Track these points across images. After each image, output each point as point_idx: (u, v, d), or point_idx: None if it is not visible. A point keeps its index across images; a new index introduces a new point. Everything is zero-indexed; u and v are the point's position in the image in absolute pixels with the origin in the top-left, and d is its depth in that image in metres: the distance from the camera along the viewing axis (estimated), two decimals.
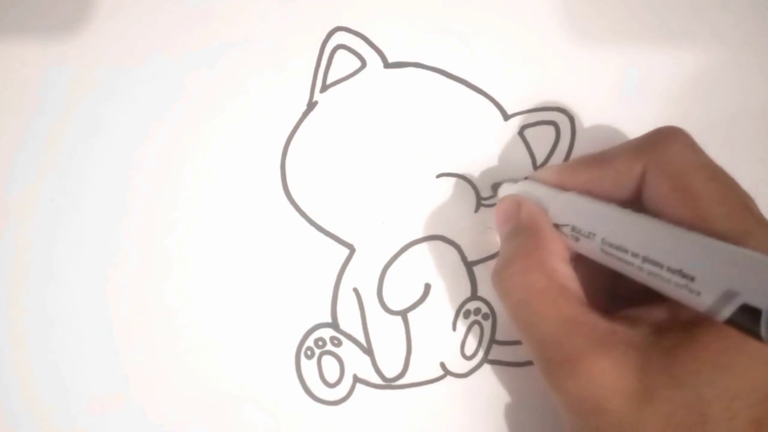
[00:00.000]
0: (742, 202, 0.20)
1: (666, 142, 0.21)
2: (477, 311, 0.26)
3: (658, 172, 0.20)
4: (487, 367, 0.26)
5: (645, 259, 0.18)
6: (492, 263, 0.26)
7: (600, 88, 0.27)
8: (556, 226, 0.21)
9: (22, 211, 0.26)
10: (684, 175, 0.20)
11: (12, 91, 0.27)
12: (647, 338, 0.19)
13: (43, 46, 0.27)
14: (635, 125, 0.26)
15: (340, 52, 0.27)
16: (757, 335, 0.15)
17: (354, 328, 0.26)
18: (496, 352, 0.26)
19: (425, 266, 0.27)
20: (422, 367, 0.26)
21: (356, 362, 0.26)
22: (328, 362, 0.26)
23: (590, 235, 0.19)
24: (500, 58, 0.27)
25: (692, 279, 0.16)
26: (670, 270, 0.17)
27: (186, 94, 0.27)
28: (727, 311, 0.16)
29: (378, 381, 0.26)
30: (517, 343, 0.26)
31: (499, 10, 0.27)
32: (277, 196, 0.27)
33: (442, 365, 0.26)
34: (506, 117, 0.27)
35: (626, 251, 0.18)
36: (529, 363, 0.26)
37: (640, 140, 0.22)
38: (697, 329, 0.19)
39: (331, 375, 0.26)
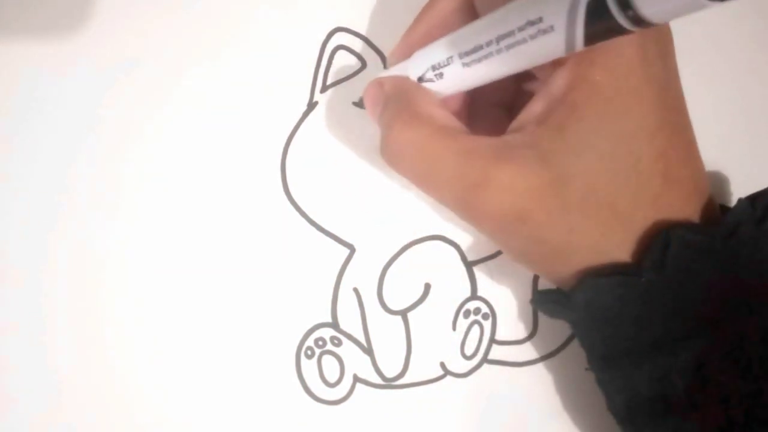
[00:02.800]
0: None
1: None
2: (477, 311, 0.26)
3: None
4: (487, 367, 0.26)
5: (499, 39, 0.17)
6: (492, 263, 0.27)
7: None
8: (420, 80, 0.21)
9: (23, 212, 0.26)
10: None
11: (11, 91, 0.27)
12: (536, 132, 0.19)
13: (43, 46, 0.27)
14: None
15: (341, 53, 0.27)
16: (619, 29, 0.15)
17: (354, 327, 0.26)
18: (496, 352, 0.26)
19: (425, 266, 0.27)
20: (422, 367, 0.26)
21: (356, 362, 0.26)
22: (328, 362, 0.26)
23: (449, 60, 0.20)
24: None
25: (540, 19, 0.16)
26: (521, 29, 0.17)
27: (186, 94, 0.27)
28: (580, 26, 0.15)
29: (378, 381, 0.26)
30: (516, 343, 0.26)
31: None
32: (277, 196, 0.27)
33: (442, 365, 0.26)
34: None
35: (481, 47, 0.18)
36: (528, 363, 0.26)
37: None
38: (570, 94, 0.19)
39: (331, 375, 0.26)
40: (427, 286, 0.27)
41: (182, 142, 0.27)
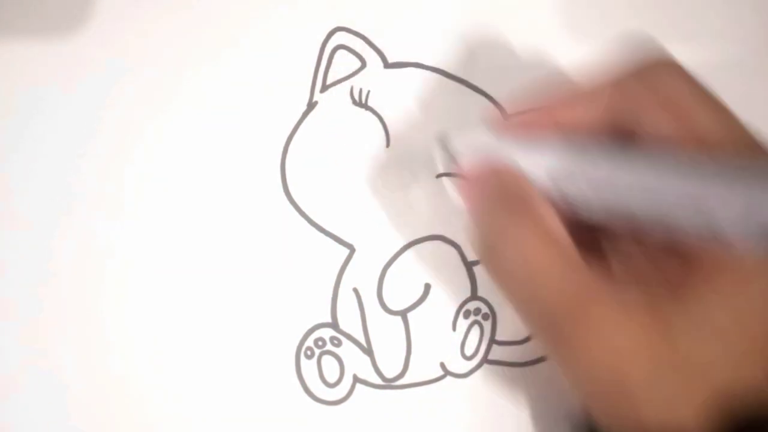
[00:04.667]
0: (743, 129, 0.18)
1: (658, 74, 0.19)
2: (477, 311, 0.26)
3: (653, 106, 0.18)
4: (487, 367, 0.26)
5: (659, 219, 0.16)
6: None
7: None
8: (554, 182, 0.19)
9: (24, 212, 0.26)
10: (683, 107, 0.18)
11: (11, 92, 0.27)
12: (652, 285, 0.18)
13: (43, 46, 0.27)
14: None
15: (340, 53, 0.27)
16: None
17: (354, 328, 0.26)
18: (496, 352, 0.26)
19: (425, 266, 0.27)
20: (422, 367, 0.26)
21: (356, 362, 0.26)
22: (328, 362, 0.26)
23: (583, 196, 0.17)
24: (500, 57, 0.27)
25: (712, 215, 0.15)
26: (689, 221, 0.15)
27: (186, 95, 0.27)
28: (754, 236, 0.14)
29: (378, 381, 0.26)
30: (517, 343, 0.26)
31: (498, 10, 0.28)
32: (277, 196, 0.27)
33: (442, 365, 0.26)
34: (506, 117, 0.27)
35: (631, 211, 0.16)
36: (529, 363, 0.26)
37: (626, 72, 0.19)
38: (700, 256, 0.17)
39: (331, 375, 0.26)
40: (427, 286, 0.27)
41: (182, 142, 0.27)
